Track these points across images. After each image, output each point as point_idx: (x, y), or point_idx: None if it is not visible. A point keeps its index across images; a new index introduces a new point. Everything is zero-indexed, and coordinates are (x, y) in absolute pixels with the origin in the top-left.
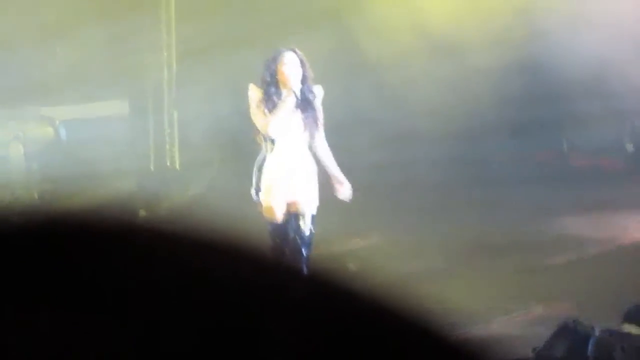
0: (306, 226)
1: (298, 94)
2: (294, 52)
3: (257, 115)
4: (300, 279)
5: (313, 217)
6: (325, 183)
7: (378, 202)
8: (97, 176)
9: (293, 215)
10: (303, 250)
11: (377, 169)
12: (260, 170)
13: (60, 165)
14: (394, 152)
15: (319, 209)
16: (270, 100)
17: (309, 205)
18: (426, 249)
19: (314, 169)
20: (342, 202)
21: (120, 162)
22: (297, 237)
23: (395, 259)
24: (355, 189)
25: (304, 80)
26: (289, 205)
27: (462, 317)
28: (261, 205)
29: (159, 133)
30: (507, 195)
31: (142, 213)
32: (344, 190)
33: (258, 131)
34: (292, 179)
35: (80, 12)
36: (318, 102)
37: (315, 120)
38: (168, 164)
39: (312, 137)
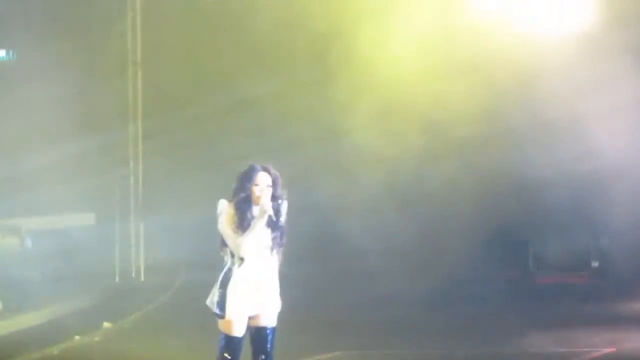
0: (269, 340)
1: (273, 216)
2: (268, 171)
3: (228, 233)
4: None
5: (274, 330)
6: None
7: (344, 317)
8: (62, 286)
9: (254, 329)
10: (263, 357)
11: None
12: (225, 284)
13: (26, 275)
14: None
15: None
16: (244, 218)
17: (272, 319)
18: None
19: (277, 283)
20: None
21: (86, 272)
22: (259, 350)
23: None
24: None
25: (273, 199)
26: (250, 319)
27: None
28: (222, 318)
29: (124, 244)
30: (475, 312)
31: (107, 324)
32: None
33: (225, 245)
34: (260, 293)
35: (48, 126)
36: (283, 220)
37: (282, 237)
38: (133, 275)
39: (277, 253)
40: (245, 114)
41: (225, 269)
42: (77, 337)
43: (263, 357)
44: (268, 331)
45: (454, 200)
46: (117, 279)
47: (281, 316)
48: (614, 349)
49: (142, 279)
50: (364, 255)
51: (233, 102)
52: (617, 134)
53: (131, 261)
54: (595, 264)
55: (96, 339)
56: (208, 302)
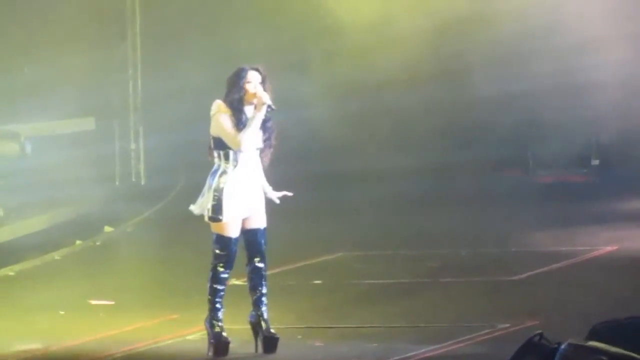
0: (262, 242)
1: (272, 104)
2: (258, 70)
3: (227, 130)
4: None
5: (265, 230)
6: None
7: (343, 218)
8: (63, 191)
9: (248, 232)
10: (263, 264)
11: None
12: (220, 188)
13: (26, 181)
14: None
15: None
16: (240, 116)
17: (263, 220)
18: (392, 267)
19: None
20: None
21: (86, 177)
22: (254, 252)
23: (360, 275)
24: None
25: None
26: (244, 220)
27: (429, 335)
28: (219, 221)
29: (124, 148)
30: (473, 212)
31: (108, 229)
32: (275, 194)
33: (217, 149)
34: (252, 194)
35: (48, 31)
36: (271, 121)
37: (271, 137)
38: (133, 179)
39: (267, 154)
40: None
41: (219, 172)
42: (78, 242)
43: (258, 259)
44: (260, 232)
45: (455, 101)
46: (117, 183)
47: (282, 219)
48: (616, 247)
49: (143, 182)
50: (364, 156)
51: None
52: (617, 27)
53: (131, 165)
54: (595, 161)
55: (97, 243)
56: (195, 208)
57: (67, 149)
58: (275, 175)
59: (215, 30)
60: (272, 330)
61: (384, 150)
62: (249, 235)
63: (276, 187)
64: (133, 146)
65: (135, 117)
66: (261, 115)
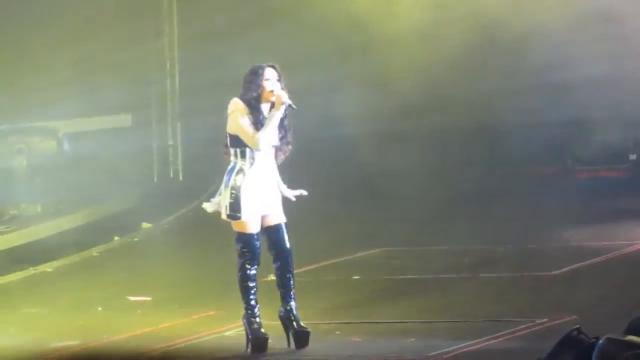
0: (285, 237)
1: (293, 104)
2: (274, 67)
3: (244, 128)
4: None
5: (286, 225)
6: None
7: (373, 212)
8: (101, 188)
9: (269, 230)
10: (289, 260)
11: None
12: (237, 186)
13: (64, 178)
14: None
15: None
16: (258, 114)
17: (281, 215)
18: (430, 262)
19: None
20: None
21: (124, 174)
22: (278, 248)
23: (398, 270)
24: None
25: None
26: (263, 217)
27: (467, 330)
28: (239, 219)
29: (162, 145)
30: (514, 208)
31: (145, 225)
32: (291, 192)
33: (234, 146)
34: (269, 191)
35: (86, 27)
36: (287, 119)
37: (287, 135)
38: (171, 175)
39: (282, 151)
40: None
41: (235, 170)
42: (116, 238)
43: (283, 254)
44: (281, 228)
45: (494, 99)
46: (155, 180)
47: (316, 215)
48: None
49: (181, 178)
50: (398, 152)
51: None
52: None
53: (169, 161)
54: (633, 156)
55: (135, 239)
56: (209, 205)
57: (104, 145)
58: (310, 175)
59: (253, 25)
60: (303, 324)
61: (420, 147)
62: (271, 232)
63: (311, 187)
64: (171, 142)
65: (172, 113)
66: (280, 114)
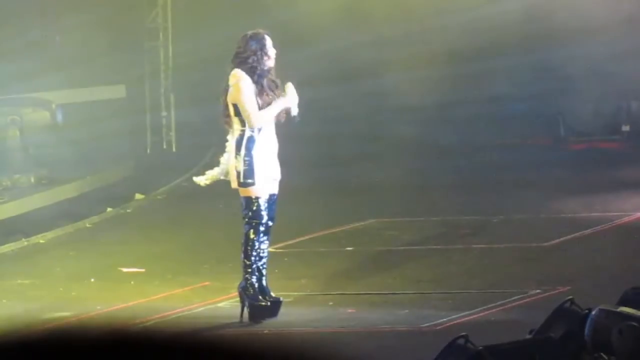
0: (274, 208)
1: (297, 115)
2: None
3: (249, 105)
4: None
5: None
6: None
7: (371, 183)
8: (94, 159)
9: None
10: (270, 223)
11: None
12: (250, 152)
13: (57, 149)
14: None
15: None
16: (264, 92)
17: (277, 186)
18: (423, 233)
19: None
20: None
21: (117, 145)
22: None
23: (392, 241)
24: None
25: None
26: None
27: (461, 301)
28: (253, 185)
29: (155, 116)
30: (505, 179)
31: (139, 196)
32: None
33: (236, 115)
34: (275, 157)
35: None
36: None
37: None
38: (164, 146)
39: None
40: None
41: (245, 137)
42: (109, 209)
43: (270, 223)
44: (275, 197)
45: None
46: (148, 151)
47: (312, 191)
48: None
49: (174, 150)
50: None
51: None
52: None
53: (162, 133)
54: (626, 128)
55: (128, 210)
56: (202, 179)
57: (98, 116)
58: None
59: None
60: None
61: (417, 123)
62: (269, 201)
63: (307, 165)
64: (164, 114)
65: (166, 84)
66: (285, 104)
